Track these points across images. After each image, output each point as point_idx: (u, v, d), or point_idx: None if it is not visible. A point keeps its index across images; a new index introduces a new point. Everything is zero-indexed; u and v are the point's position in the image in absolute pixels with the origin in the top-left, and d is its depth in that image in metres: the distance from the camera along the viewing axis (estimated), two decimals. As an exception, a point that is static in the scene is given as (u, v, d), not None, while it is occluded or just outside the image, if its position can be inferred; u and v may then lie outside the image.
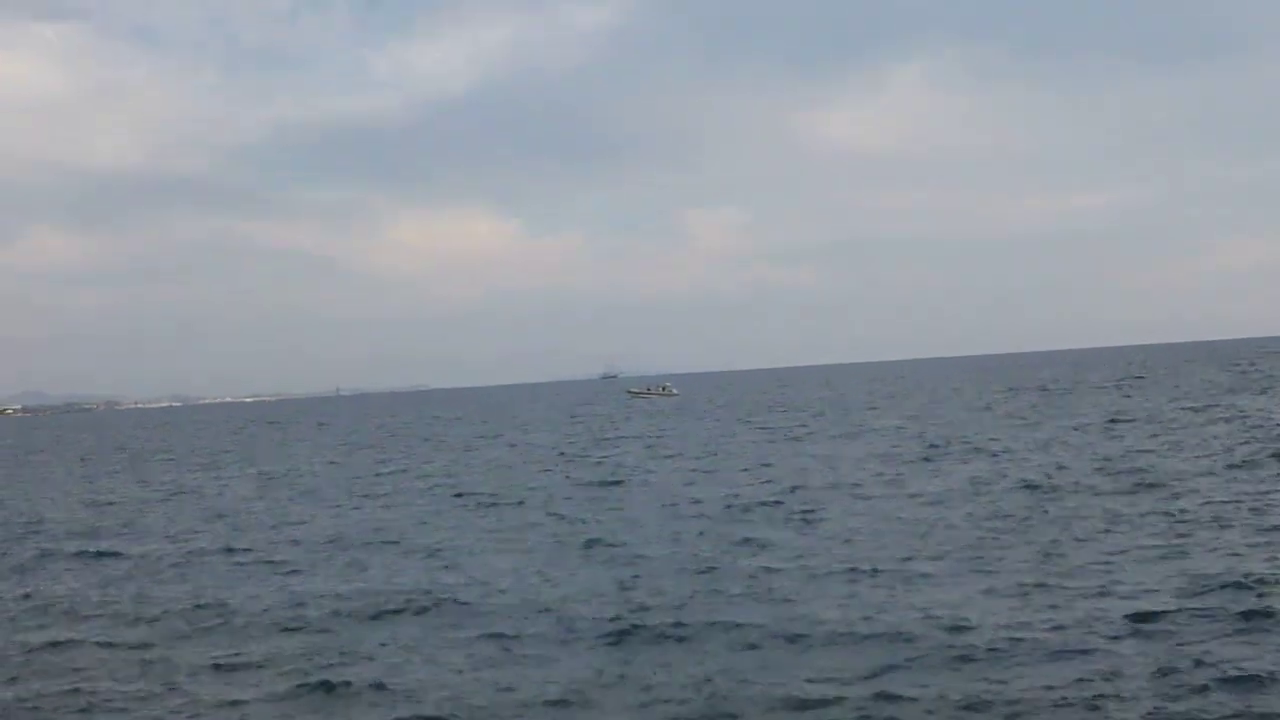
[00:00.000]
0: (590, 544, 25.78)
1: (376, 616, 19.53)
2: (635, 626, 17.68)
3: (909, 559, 21.79)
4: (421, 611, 19.72)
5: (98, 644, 18.65)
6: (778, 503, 30.95)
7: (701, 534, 26.40)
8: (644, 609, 18.77)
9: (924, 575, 20.26)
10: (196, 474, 56.84)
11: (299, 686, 15.48)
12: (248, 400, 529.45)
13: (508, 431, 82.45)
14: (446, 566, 24.00)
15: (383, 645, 17.53)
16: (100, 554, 28.60)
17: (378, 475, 48.24)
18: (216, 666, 16.91)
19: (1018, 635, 15.89)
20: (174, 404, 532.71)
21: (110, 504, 42.19)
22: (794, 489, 33.96)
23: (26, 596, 23.34)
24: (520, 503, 34.91)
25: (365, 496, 39.53)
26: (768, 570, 21.56)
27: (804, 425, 66.50)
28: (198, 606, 21.17)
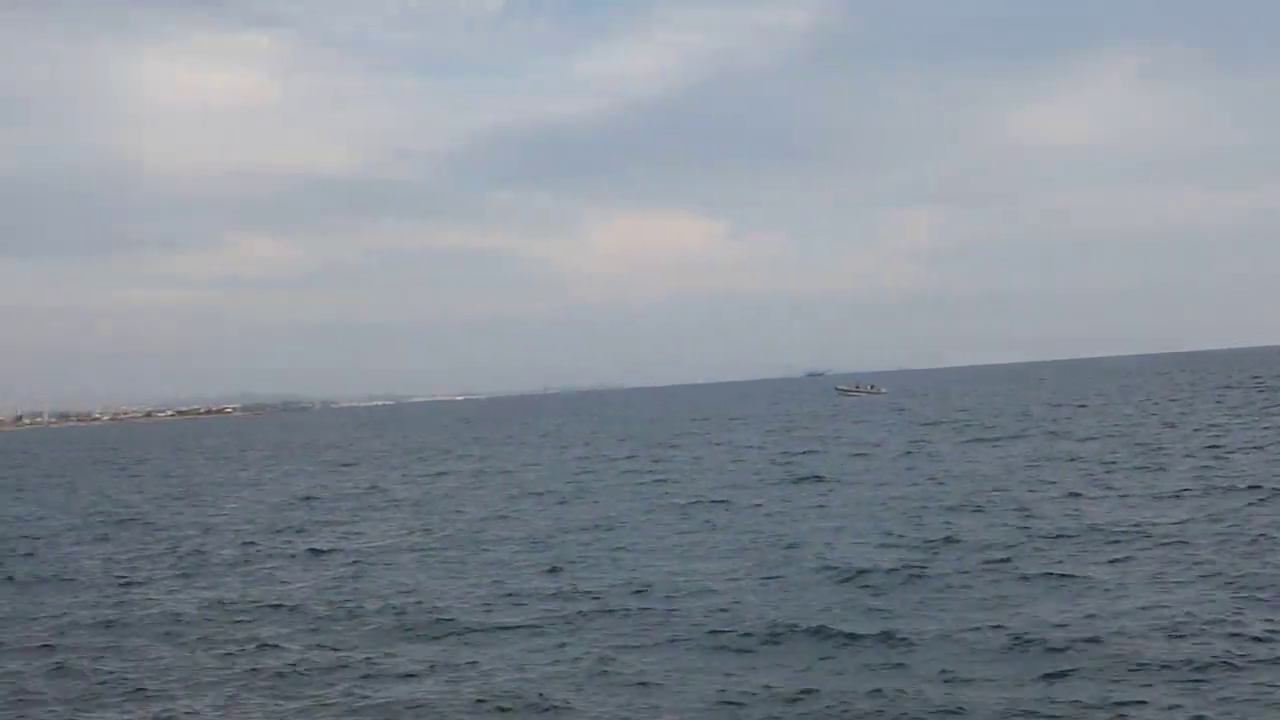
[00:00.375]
0: (792, 546, 24.76)
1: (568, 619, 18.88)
2: (846, 634, 16.71)
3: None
4: (621, 613, 19.09)
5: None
6: (978, 509, 28.93)
7: (902, 536, 25.14)
8: (850, 613, 18.03)
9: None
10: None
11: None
12: (459, 399, 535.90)
13: (714, 430, 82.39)
14: (645, 566, 23.40)
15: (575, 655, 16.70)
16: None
17: (617, 475, 47.38)
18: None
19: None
20: (386, 402, 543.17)
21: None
22: (995, 491, 32.22)
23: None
24: (723, 502, 33.45)
25: (584, 492, 39.49)
26: (987, 568, 20.67)
27: (1024, 428, 61.77)
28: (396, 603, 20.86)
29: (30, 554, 31.55)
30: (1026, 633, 16.03)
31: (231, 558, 28.38)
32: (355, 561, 26.31)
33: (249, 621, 20.20)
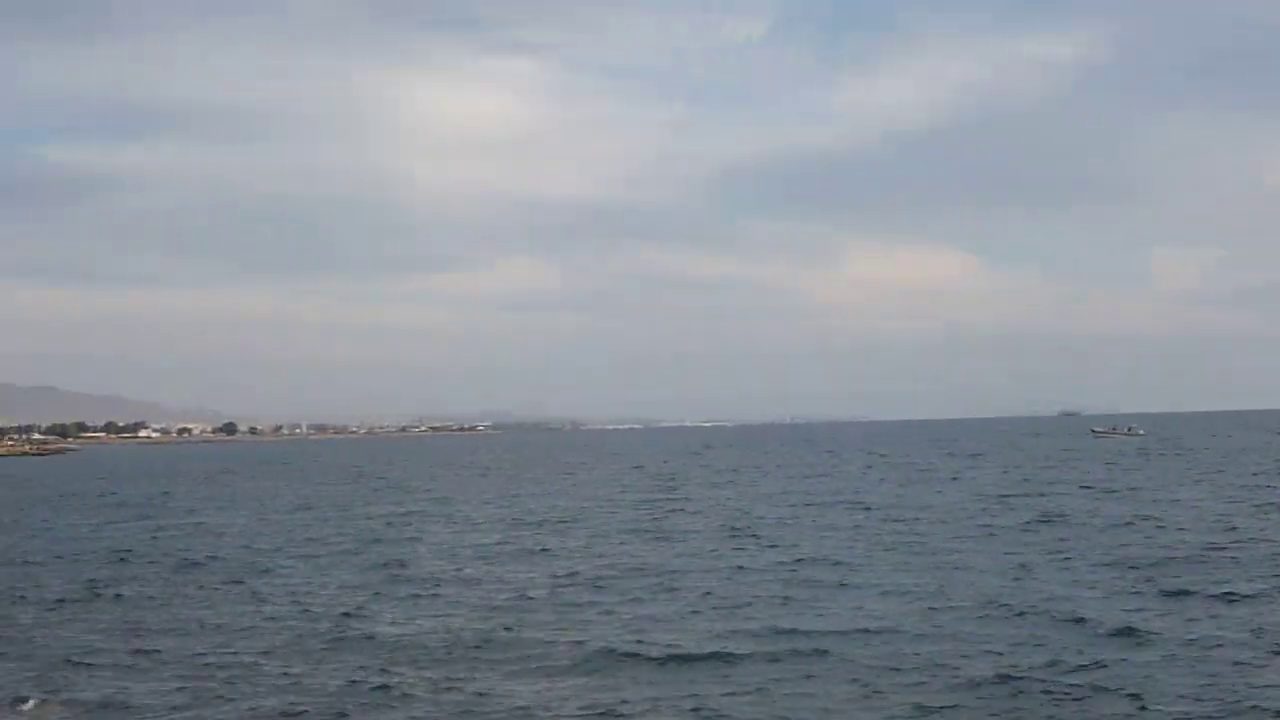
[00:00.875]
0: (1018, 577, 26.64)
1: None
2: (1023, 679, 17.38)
3: None
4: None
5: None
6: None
7: (1136, 593, 25.17)
8: (1048, 664, 18.40)
9: None
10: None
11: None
12: (706, 425, 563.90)
13: (958, 466, 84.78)
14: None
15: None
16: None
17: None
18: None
19: None
20: (635, 426, 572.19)
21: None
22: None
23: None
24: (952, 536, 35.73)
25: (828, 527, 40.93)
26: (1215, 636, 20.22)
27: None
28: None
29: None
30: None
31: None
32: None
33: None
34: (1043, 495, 51.39)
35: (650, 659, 19.64)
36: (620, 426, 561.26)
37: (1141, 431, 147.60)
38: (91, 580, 31.52)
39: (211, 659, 20.65)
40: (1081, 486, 56.72)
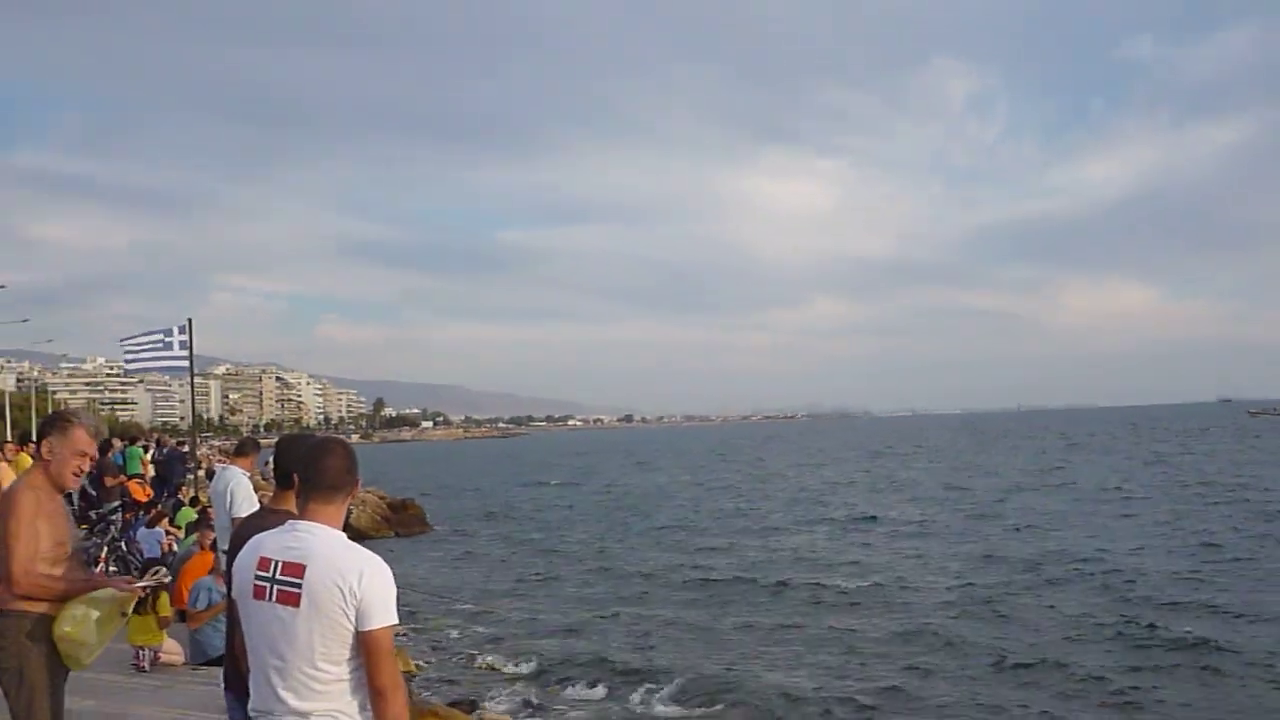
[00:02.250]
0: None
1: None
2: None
3: None
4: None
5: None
6: None
7: None
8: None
9: None
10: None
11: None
12: (956, 413, 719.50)
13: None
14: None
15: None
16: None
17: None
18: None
19: None
20: (906, 414, 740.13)
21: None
22: None
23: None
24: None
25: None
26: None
27: None
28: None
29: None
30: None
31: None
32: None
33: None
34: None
35: None
36: (895, 414, 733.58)
37: None
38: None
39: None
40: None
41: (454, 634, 19.85)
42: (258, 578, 3.58)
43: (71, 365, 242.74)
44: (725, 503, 48.70)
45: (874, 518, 38.07)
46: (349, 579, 3.45)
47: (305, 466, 3.73)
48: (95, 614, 4.90)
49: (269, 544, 3.63)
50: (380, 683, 3.47)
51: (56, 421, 5.17)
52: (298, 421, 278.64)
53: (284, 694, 3.52)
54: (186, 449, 26.03)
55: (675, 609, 22.04)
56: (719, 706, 14.49)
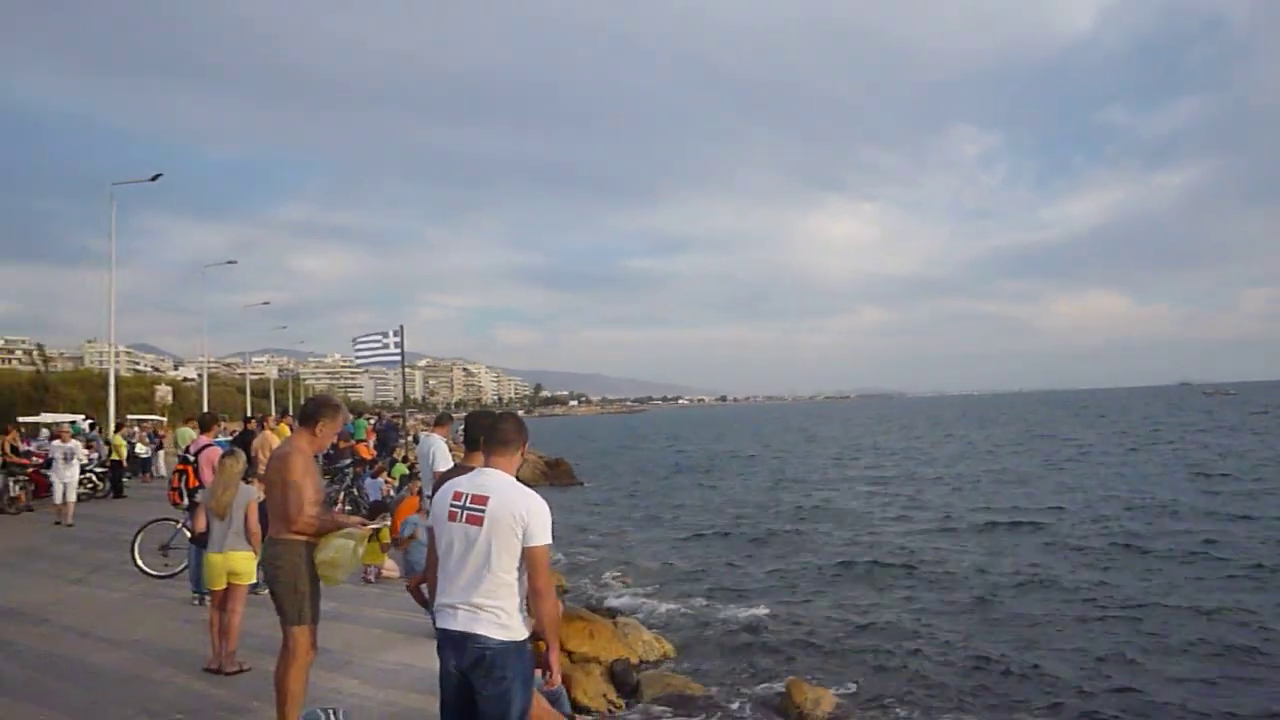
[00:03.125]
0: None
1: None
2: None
3: None
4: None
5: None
6: None
7: None
8: None
9: None
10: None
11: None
12: (975, 394, 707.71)
13: None
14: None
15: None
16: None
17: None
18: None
19: None
20: (936, 395, 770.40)
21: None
22: None
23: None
24: None
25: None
26: None
27: None
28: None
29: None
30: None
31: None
32: None
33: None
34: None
35: None
36: (925, 395, 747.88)
37: (1232, 392, 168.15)
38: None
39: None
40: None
41: (592, 560, 19.92)
42: (452, 505, 3.90)
43: (316, 359, 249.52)
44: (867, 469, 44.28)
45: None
46: (519, 507, 3.77)
47: (488, 430, 4.11)
48: (349, 544, 5.22)
49: (463, 482, 3.97)
50: (538, 585, 3.75)
51: (330, 406, 5.46)
52: (478, 401, 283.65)
53: (460, 598, 3.78)
54: (399, 421, 26.58)
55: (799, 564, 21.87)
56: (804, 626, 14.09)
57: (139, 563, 11.16)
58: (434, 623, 3.91)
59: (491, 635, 3.72)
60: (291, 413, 61.02)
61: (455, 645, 3.76)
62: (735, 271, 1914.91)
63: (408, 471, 17.28)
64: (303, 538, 5.19)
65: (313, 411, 5.39)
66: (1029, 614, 13.64)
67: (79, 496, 19.77)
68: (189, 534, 9.74)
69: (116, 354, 39.44)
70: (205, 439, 10.41)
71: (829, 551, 19.95)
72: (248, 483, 7.63)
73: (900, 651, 11.87)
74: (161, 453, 29.04)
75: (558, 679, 3.90)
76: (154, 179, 32.06)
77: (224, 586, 7.19)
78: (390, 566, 11.10)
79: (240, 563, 7.23)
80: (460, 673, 3.75)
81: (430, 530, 4.08)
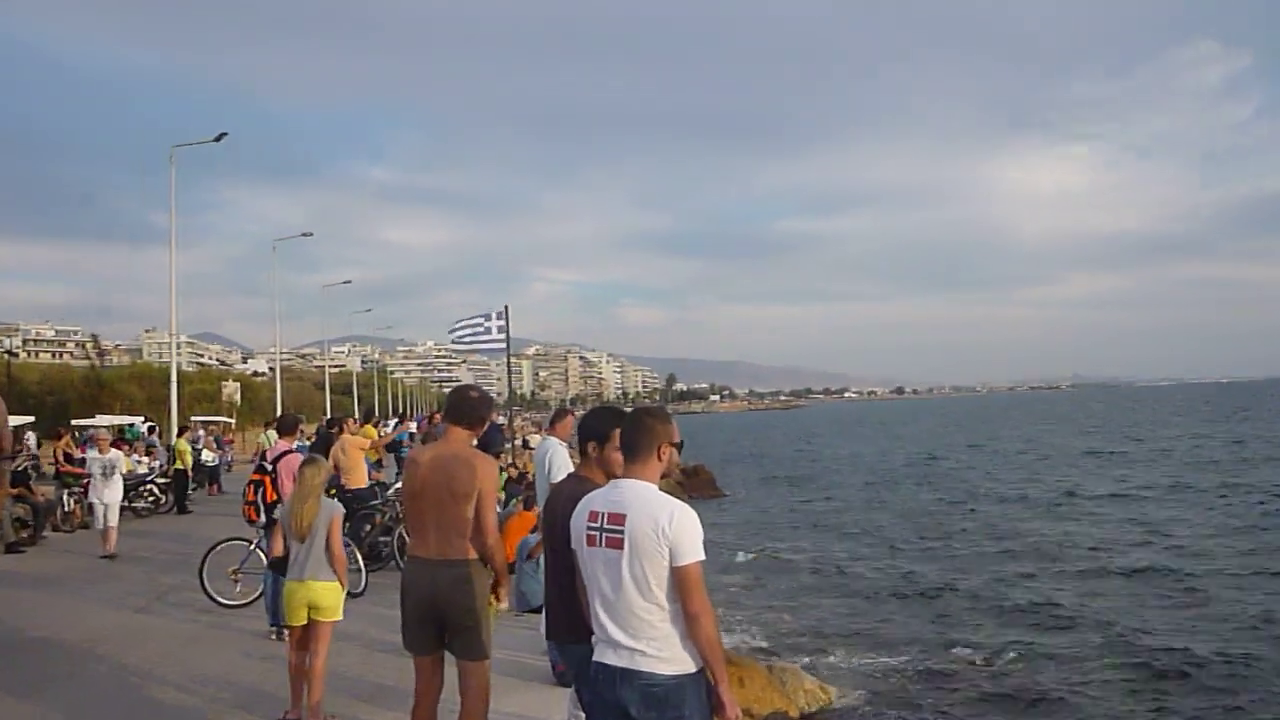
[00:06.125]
0: None
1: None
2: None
3: None
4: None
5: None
6: None
7: None
8: None
9: None
10: None
11: None
12: (1222, 381, 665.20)
13: None
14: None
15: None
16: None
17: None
18: None
19: None
20: (1172, 382, 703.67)
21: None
22: None
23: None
24: None
25: None
26: None
27: None
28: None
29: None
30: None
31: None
32: None
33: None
34: None
35: None
36: (1158, 383, 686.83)
37: None
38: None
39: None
40: None
41: (738, 590, 19.88)
42: (589, 528, 4.03)
43: (406, 347, 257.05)
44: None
45: None
46: (660, 521, 3.85)
47: (625, 432, 4.23)
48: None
49: (597, 499, 4.08)
50: (693, 608, 3.81)
51: (488, 402, 5.70)
52: (599, 396, 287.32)
53: (614, 630, 3.92)
54: (504, 421, 27.03)
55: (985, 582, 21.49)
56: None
57: (208, 589, 11.65)
58: (554, 665, 3.93)
59: (658, 671, 3.84)
60: (378, 413, 62.72)
61: (617, 682, 3.90)
62: (911, 233, 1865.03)
63: (515, 476, 17.54)
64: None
65: (477, 409, 5.55)
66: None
67: (139, 511, 20.81)
68: (264, 557, 10.10)
69: (178, 345, 41.40)
70: (284, 444, 10.74)
71: (1046, 591, 19.51)
72: (331, 495, 7.74)
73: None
74: (229, 460, 30.25)
75: (734, 713, 3.92)
76: (218, 139, 33.65)
77: (305, 622, 7.25)
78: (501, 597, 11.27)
79: (324, 594, 7.27)
80: (623, 709, 3.88)
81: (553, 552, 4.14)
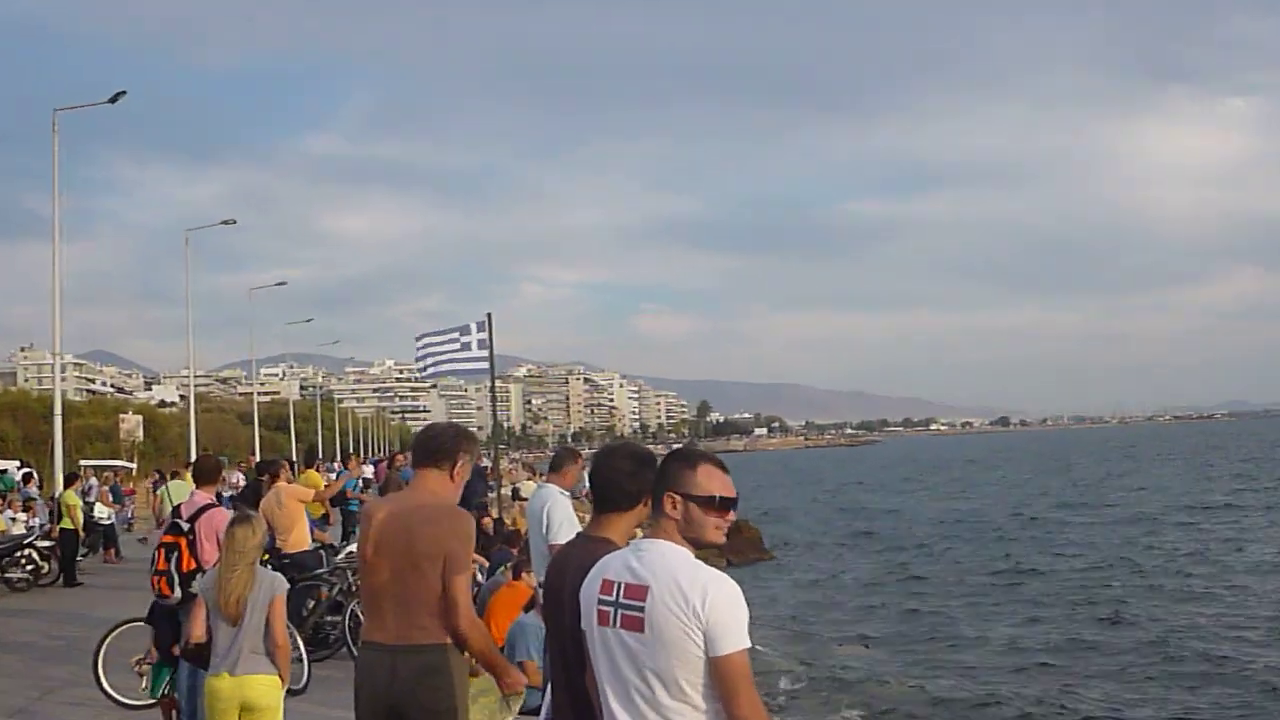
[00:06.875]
0: None
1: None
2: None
3: None
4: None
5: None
6: None
7: None
8: None
9: None
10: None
11: None
12: None
13: None
14: None
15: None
16: None
17: None
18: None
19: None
20: None
21: None
22: None
23: None
24: None
25: None
26: None
27: None
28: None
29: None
30: None
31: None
32: None
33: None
34: None
35: None
36: None
37: None
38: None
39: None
40: None
41: (792, 677, 19.95)
42: (601, 602, 3.77)
43: (358, 369, 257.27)
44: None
45: None
46: (692, 599, 3.58)
47: (652, 477, 4.06)
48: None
49: (613, 565, 3.83)
50: (740, 714, 3.55)
51: (469, 437, 5.45)
52: (610, 429, 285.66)
53: None
54: (486, 464, 26.95)
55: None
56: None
57: (104, 685, 11.65)
58: None
59: None
60: (323, 454, 62.24)
61: None
62: (1017, 216, 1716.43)
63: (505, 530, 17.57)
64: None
65: (449, 445, 5.29)
66: None
67: (13, 584, 20.85)
68: (179, 644, 10.11)
69: (63, 367, 41.58)
70: (204, 496, 10.63)
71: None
72: (268, 562, 7.68)
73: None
74: (129, 516, 30.22)
75: None
76: (114, 100, 33.71)
77: (235, 728, 7.29)
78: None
79: (261, 692, 7.19)
80: None
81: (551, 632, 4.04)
